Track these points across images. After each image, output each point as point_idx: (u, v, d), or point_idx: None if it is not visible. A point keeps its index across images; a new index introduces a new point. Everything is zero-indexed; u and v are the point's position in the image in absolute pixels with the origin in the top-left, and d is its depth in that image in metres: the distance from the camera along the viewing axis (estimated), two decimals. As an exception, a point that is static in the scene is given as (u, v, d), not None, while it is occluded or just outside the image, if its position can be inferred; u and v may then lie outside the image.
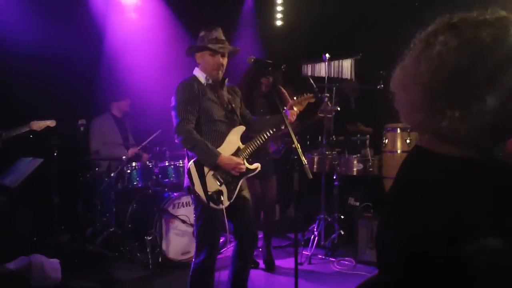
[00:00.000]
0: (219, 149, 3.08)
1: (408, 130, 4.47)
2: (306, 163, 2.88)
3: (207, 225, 3.06)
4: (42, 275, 3.63)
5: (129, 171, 4.92)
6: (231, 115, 3.24)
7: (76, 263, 4.37)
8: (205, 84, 3.18)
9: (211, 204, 2.99)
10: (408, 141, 4.48)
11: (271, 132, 3.26)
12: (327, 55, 4.93)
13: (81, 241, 4.72)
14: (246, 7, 6.95)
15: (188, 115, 3.04)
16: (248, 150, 3.21)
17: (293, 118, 3.33)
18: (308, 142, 5.51)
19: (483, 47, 0.97)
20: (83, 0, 5.55)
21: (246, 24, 6.83)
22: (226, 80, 3.31)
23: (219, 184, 3.06)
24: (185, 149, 3.11)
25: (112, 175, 4.81)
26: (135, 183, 4.94)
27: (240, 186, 3.17)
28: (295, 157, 2.97)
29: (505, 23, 0.99)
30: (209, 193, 3.00)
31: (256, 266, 4.51)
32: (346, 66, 5.09)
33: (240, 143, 3.21)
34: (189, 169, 3.03)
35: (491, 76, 0.95)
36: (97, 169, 5.13)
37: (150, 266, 4.32)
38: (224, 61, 3.20)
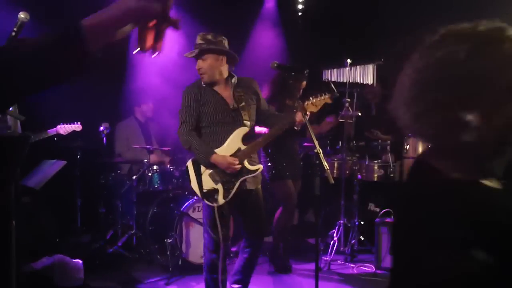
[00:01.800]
0: (218, 150, 3.13)
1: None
2: (328, 168, 2.87)
3: (213, 223, 3.16)
4: (65, 275, 3.68)
5: (150, 174, 4.97)
6: (235, 115, 3.22)
7: (97, 264, 4.43)
8: (205, 87, 3.22)
9: (206, 201, 3.12)
10: (429, 146, 4.42)
11: (275, 132, 3.26)
12: (348, 60, 4.91)
13: (102, 242, 4.78)
14: (266, 9, 6.95)
15: (188, 118, 3.19)
16: (249, 150, 3.21)
17: (299, 119, 3.17)
18: (328, 147, 5.48)
19: (456, 63, 0.94)
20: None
21: (267, 27, 6.85)
22: (234, 79, 3.27)
23: (215, 183, 3.14)
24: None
25: (133, 178, 4.86)
26: (156, 186, 4.99)
27: (245, 183, 3.20)
28: (317, 161, 2.96)
29: (488, 38, 0.95)
30: (205, 190, 3.13)
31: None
32: (368, 72, 5.06)
33: (242, 144, 3.20)
34: (186, 167, 3.22)
35: (463, 94, 0.94)
36: (119, 171, 5.19)
37: (170, 269, 4.34)
38: (204, 63, 3.15)
